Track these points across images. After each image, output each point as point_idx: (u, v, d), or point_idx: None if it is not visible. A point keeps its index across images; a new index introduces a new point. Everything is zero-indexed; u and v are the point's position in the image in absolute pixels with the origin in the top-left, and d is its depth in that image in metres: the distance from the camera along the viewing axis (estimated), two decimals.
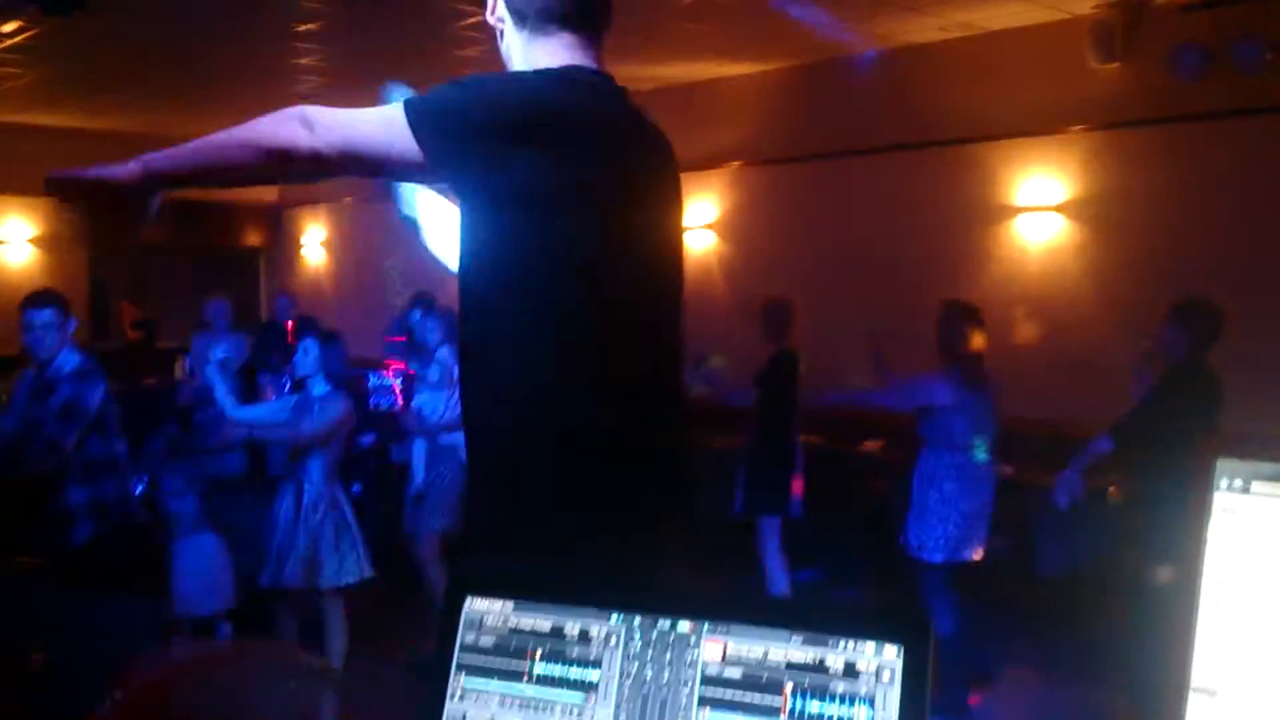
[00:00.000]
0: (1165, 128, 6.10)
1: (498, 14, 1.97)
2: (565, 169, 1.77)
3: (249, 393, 6.61)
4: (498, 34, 1.99)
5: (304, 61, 7.59)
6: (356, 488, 6.09)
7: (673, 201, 2.03)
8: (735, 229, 8.27)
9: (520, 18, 1.93)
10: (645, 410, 1.90)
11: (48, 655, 4.05)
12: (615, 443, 1.84)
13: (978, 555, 4.72)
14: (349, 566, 4.52)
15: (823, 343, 6.10)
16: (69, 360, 4.17)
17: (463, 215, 1.83)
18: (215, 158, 1.81)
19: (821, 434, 6.56)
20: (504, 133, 1.73)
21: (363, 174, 1.83)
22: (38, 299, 4.20)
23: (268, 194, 12.09)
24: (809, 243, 7.70)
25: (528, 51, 1.93)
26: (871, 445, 6.73)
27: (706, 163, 8.23)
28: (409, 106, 1.72)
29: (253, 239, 12.33)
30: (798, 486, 5.50)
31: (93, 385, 4.15)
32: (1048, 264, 6.65)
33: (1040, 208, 6.65)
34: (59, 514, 4.14)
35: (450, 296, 1.98)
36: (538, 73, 1.87)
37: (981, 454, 4.70)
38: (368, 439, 6.46)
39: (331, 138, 1.72)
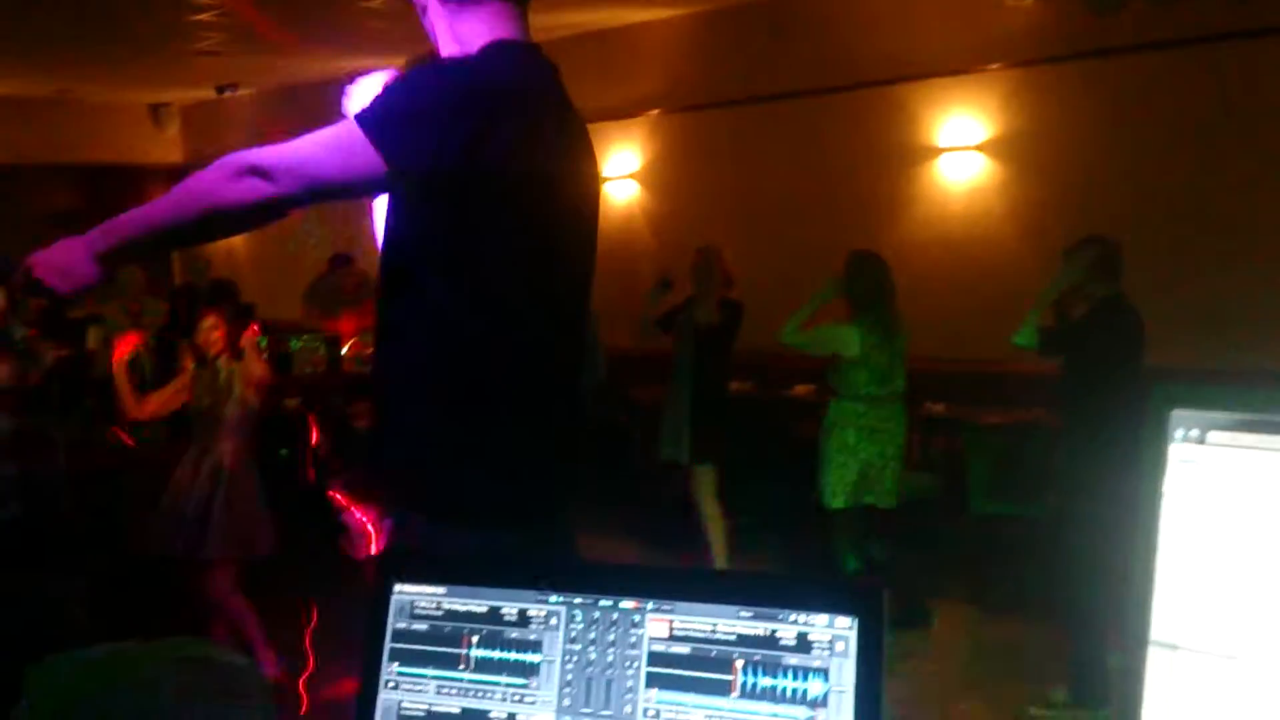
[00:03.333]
0: (1082, 63, 6.14)
1: None
2: (517, 150, 1.76)
3: (165, 360, 6.41)
4: (420, 10, 1.93)
5: (203, 18, 7.29)
6: (283, 451, 5.96)
7: (594, 168, 2.05)
8: (657, 178, 8.19)
9: None
10: (568, 374, 1.96)
11: None
12: (541, 410, 1.88)
13: (885, 502, 4.77)
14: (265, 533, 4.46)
15: (748, 291, 6.07)
16: (4, 336, 4.09)
17: (401, 203, 1.80)
18: (175, 230, 1.81)
19: (752, 380, 6.57)
20: (463, 125, 1.70)
21: (323, 201, 1.82)
22: None
23: (173, 154, 11.70)
24: (732, 190, 7.65)
25: (455, 24, 1.88)
26: (802, 389, 6.75)
27: (625, 111, 8.11)
28: (367, 124, 1.67)
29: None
30: None
31: (37, 350, 4.14)
32: (970, 204, 6.69)
33: (961, 148, 6.68)
34: None
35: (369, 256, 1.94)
36: (481, 55, 1.82)
37: (890, 402, 4.75)
38: (291, 402, 6.32)
39: (294, 180, 1.70)
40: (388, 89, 1.75)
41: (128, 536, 4.87)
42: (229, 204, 1.70)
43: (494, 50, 1.83)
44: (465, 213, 1.74)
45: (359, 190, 1.80)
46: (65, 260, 1.80)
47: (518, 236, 1.79)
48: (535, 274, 1.83)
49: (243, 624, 4.45)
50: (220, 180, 1.70)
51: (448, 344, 1.82)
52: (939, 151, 6.77)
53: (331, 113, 1.83)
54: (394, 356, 1.90)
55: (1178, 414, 0.97)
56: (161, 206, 1.79)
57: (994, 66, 6.50)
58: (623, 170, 8.27)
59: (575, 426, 2.01)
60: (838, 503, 4.71)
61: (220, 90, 10.26)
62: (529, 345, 1.85)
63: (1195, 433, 0.96)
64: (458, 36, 1.87)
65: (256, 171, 1.68)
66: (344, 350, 6.57)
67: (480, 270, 1.78)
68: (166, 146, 11.68)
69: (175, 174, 11.81)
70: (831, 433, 4.75)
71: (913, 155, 6.88)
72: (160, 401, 4.54)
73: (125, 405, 4.51)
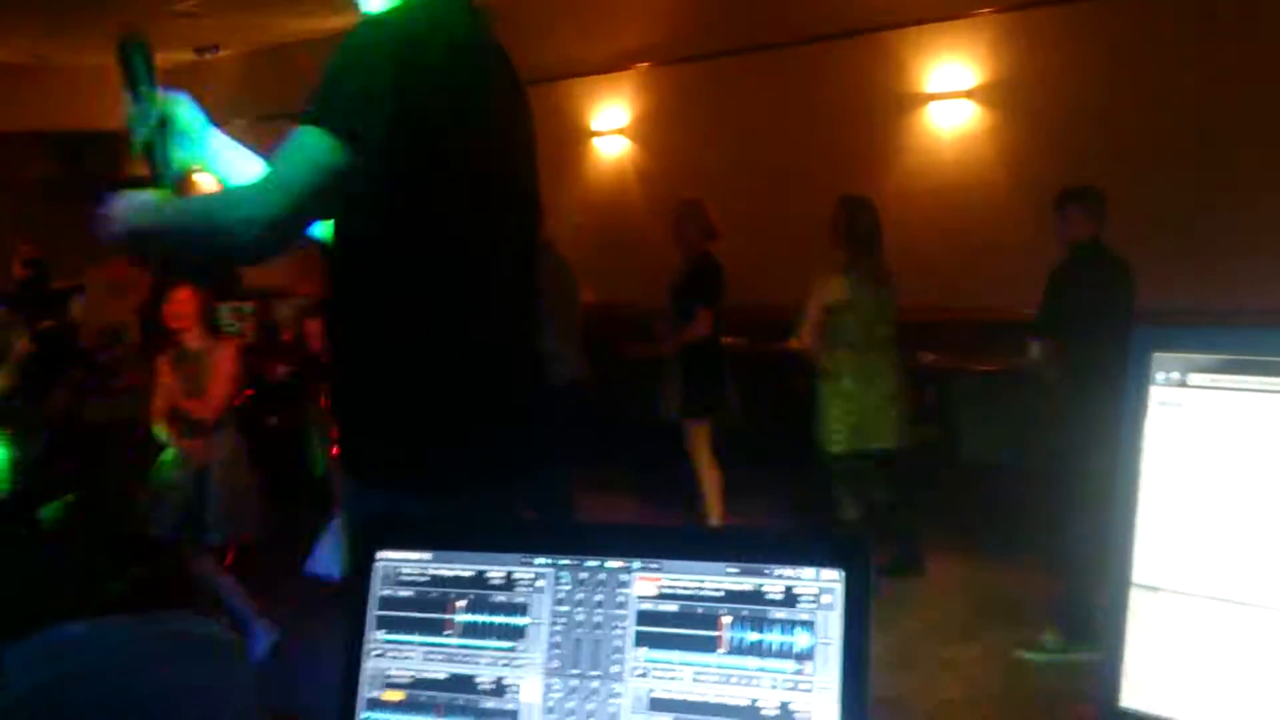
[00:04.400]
0: (1072, 6, 6.08)
1: None
2: (442, 93, 1.76)
3: (150, 335, 6.38)
4: None
5: None
6: (272, 420, 5.95)
7: (524, 103, 2.02)
8: (647, 132, 8.12)
9: None
10: (518, 337, 1.95)
11: None
12: (490, 373, 1.87)
13: (887, 443, 4.81)
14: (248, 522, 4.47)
15: (739, 244, 6.05)
16: None
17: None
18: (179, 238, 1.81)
19: (744, 334, 6.56)
20: (394, 80, 1.69)
21: (321, 218, 1.81)
22: None
23: None
24: (723, 142, 7.59)
25: None
26: (795, 343, 6.74)
27: (614, 65, 8.03)
28: (346, 139, 1.64)
29: (142, 169, 11.79)
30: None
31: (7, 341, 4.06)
32: (960, 151, 6.65)
33: (951, 94, 6.62)
34: None
35: None
36: (397, 8, 1.79)
37: (879, 347, 4.78)
38: (280, 371, 6.30)
39: (299, 228, 1.69)
40: (322, 82, 1.71)
41: (128, 521, 4.87)
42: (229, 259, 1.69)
43: (429, 9, 1.81)
44: (406, 169, 1.72)
45: (341, 188, 1.71)
46: (111, 219, 1.79)
47: (453, 185, 1.78)
48: (476, 226, 1.82)
49: (231, 599, 4.46)
50: (226, 220, 1.68)
51: (393, 313, 1.80)
52: (929, 98, 6.72)
53: (313, 73, 1.80)
54: (342, 331, 1.89)
55: (1158, 356, 0.97)
56: (174, 224, 1.78)
57: (983, 11, 6.43)
58: (612, 125, 8.20)
59: (533, 388, 1.98)
60: (837, 449, 4.77)
61: (200, 52, 10.13)
62: (474, 308, 1.83)
63: (1176, 375, 0.96)
64: None
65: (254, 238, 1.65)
66: None
67: (422, 228, 1.77)
68: None
69: None
70: (828, 381, 4.78)
71: (902, 103, 6.82)
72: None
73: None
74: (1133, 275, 4.08)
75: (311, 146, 1.65)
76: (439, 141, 1.73)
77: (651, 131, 8.09)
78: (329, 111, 1.67)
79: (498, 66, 1.91)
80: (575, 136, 8.22)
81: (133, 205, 1.77)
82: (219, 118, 1.86)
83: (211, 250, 1.80)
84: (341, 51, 1.73)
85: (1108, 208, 4.13)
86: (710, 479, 5.43)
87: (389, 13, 1.79)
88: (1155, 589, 0.96)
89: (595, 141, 8.26)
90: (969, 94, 6.57)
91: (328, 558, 4.53)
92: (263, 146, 1.77)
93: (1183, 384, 0.96)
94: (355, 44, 1.73)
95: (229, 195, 1.73)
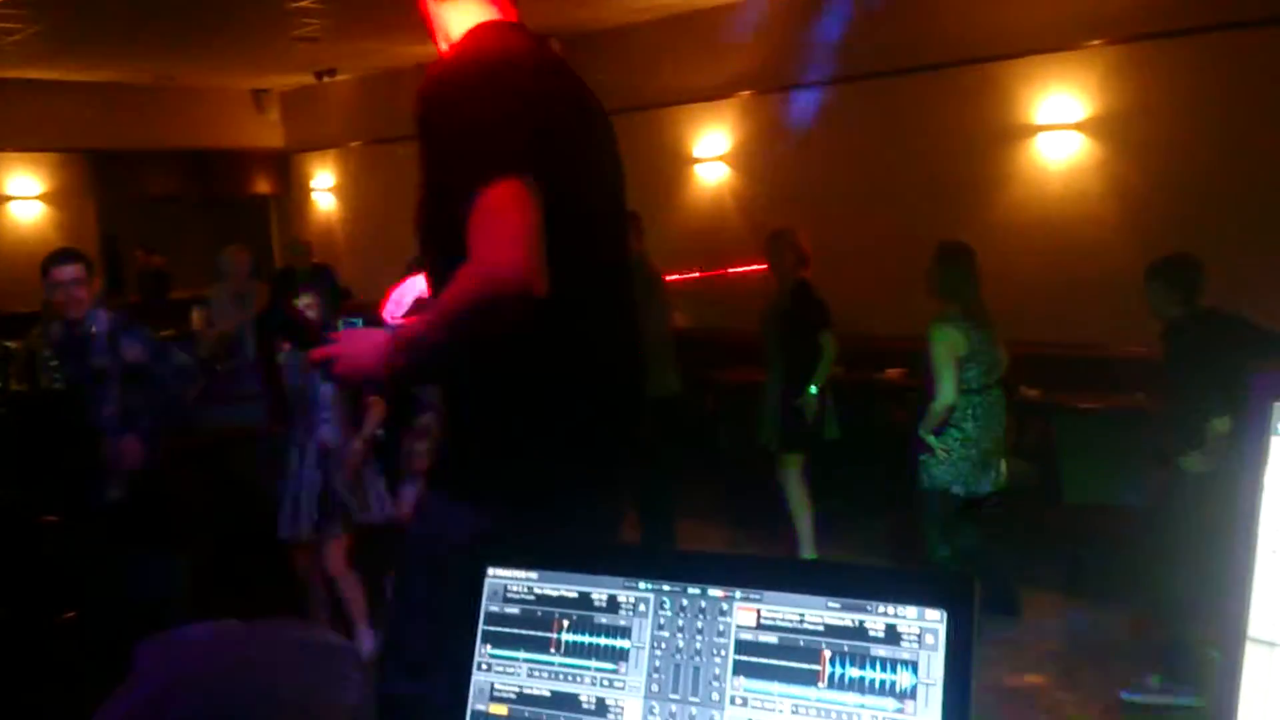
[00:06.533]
0: (1186, 39, 5.93)
1: None
2: (561, 119, 1.84)
3: (265, 343, 6.58)
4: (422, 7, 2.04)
5: (303, 4, 7.45)
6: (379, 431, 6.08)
7: (607, 119, 2.05)
8: (748, 160, 8.13)
9: None
10: (634, 349, 2.02)
11: (77, 613, 4.08)
12: (569, 395, 1.88)
13: (998, 485, 4.71)
14: (373, 503, 4.57)
15: (840, 273, 6.01)
16: (100, 318, 4.13)
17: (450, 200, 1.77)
18: (453, 355, 1.79)
19: (842, 363, 6.52)
20: (539, 118, 1.77)
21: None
22: (63, 256, 4.11)
23: (274, 139, 11.99)
24: (824, 171, 7.57)
25: (445, 15, 1.98)
26: (893, 373, 6.68)
27: (716, 92, 8.07)
28: (522, 170, 1.68)
29: (262, 186, 12.24)
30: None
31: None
32: (1068, 184, 6.52)
33: (1059, 126, 6.50)
34: (91, 471, 4.13)
35: None
36: (475, 41, 1.87)
37: (993, 391, 4.66)
38: None
39: (540, 261, 1.68)
40: (464, 133, 1.73)
41: (248, 521, 5.01)
42: (506, 325, 1.69)
43: (482, 34, 1.90)
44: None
45: (537, 223, 1.70)
46: (362, 366, 1.83)
47: (558, 198, 1.76)
48: (578, 236, 1.81)
49: (351, 600, 4.57)
50: (493, 297, 1.66)
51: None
52: (1037, 130, 6.61)
53: None
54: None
55: None
56: (440, 331, 1.74)
57: (1094, 43, 6.31)
58: (713, 152, 8.24)
59: (635, 392, 2.01)
60: (958, 489, 4.62)
61: (319, 76, 10.47)
62: (562, 336, 1.82)
63: None
64: (448, 25, 1.97)
65: (522, 279, 1.65)
66: None
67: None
68: (268, 131, 11.97)
69: (277, 159, 12.12)
70: (949, 426, 4.64)
71: (1010, 134, 6.72)
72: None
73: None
74: (1232, 335, 3.96)
75: (501, 209, 1.66)
76: (556, 157, 1.78)
77: (753, 159, 8.10)
78: (493, 162, 1.69)
79: (572, 80, 1.96)
80: (677, 163, 8.28)
81: (382, 348, 1.80)
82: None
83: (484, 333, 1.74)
84: (449, 100, 1.77)
85: (1197, 276, 4.03)
86: (802, 512, 5.38)
87: (465, 50, 1.86)
88: (1272, 644, 0.94)
89: (696, 168, 8.31)
90: (1078, 126, 6.44)
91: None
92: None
93: None
94: (462, 86, 1.77)
95: (470, 295, 1.68)
